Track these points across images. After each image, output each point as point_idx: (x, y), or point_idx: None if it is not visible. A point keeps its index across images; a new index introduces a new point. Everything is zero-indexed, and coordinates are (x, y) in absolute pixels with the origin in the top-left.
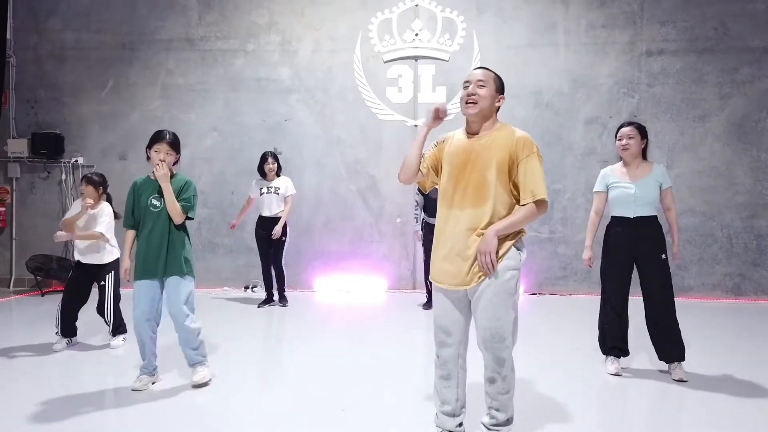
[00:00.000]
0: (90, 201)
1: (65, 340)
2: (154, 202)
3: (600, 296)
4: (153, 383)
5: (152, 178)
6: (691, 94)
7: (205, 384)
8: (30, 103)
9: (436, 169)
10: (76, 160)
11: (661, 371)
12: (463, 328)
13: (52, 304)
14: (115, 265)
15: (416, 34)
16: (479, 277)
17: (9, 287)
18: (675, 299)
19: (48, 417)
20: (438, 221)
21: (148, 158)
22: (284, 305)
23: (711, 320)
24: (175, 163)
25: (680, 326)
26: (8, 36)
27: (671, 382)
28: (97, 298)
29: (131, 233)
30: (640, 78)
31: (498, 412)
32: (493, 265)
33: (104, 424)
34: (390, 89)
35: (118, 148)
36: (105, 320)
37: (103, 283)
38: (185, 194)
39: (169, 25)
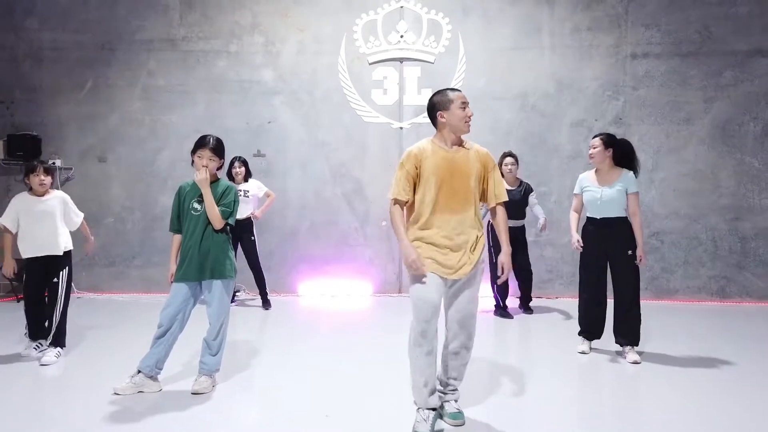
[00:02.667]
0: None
1: (34, 344)
2: (195, 205)
3: (580, 286)
4: (141, 391)
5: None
6: (676, 97)
7: (202, 393)
8: (5, 104)
9: (414, 182)
10: (54, 162)
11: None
12: (440, 305)
13: None
14: (69, 259)
15: (401, 36)
16: (468, 271)
17: None
18: (665, 301)
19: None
20: (431, 225)
21: (193, 163)
22: (267, 308)
23: (696, 322)
24: (218, 168)
25: (648, 321)
26: None
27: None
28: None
29: (177, 238)
30: (625, 81)
31: (456, 381)
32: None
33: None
34: (375, 91)
35: (97, 150)
36: (51, 321)
37: (56, 280)
38: (225, 200)
39: (150, 25)
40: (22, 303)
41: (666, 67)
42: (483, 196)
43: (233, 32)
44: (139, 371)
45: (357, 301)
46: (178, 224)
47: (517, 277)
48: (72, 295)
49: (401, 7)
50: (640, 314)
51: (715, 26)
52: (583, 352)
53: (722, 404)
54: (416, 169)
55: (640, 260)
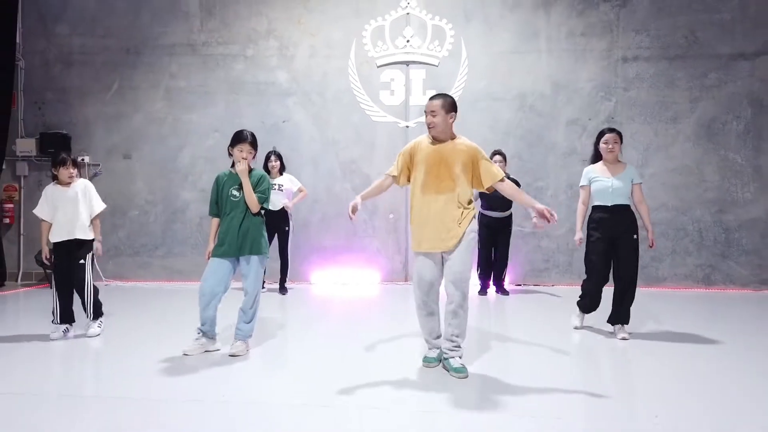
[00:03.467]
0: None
1: (63, 327)
2: (234, 192)
3: (585, 270)
4: (207, 351)
5: (233, 172)
6: (664, 97)
7: (238, 356)
8: (38, 105)
9: (409, 169)
10: (83, 159)
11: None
12: (439, 277)
13: None
14: (91, 245)
15: (407, 41)
16: (455, 242)
17: (17, 281)
18: (654, 288)
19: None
20: (418, 205)
21: (230, 155)
22: (283, 294)
23: (683, 307)
24: (252, 159)
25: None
26: (17, 41)
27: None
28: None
29: (216, 221)
30: (617, 82)
31: (458, 338)
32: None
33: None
34: (383, 92)
35: (123, 148)
36: (83, 303)
37: (82, 261)
38: (261, 187)
39: (172, 30)
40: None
41: (655, 69)
42: (477, 183)
43: (250, 37)
44: (202, 333)
45: (366, 289)
46: (216, 209)
47: (495, 261)
48: (99, 283)
49: (407, 13)
50: (635, 294)
51: (700, 31)
52: (576, 327)
53: (705, 373)
54: (410, 157)
55: (652, 244)
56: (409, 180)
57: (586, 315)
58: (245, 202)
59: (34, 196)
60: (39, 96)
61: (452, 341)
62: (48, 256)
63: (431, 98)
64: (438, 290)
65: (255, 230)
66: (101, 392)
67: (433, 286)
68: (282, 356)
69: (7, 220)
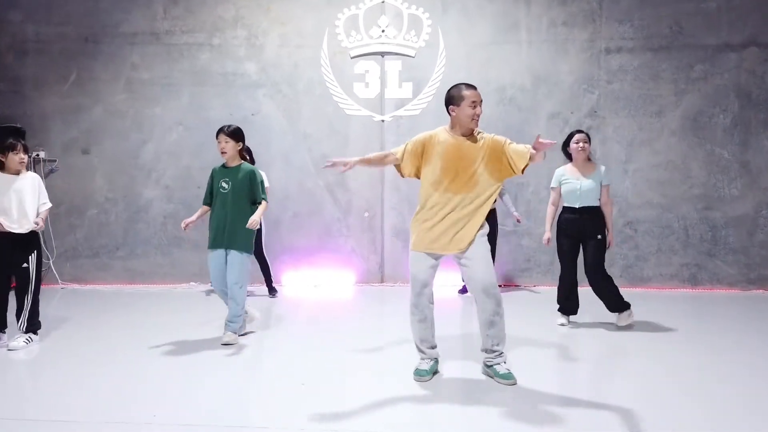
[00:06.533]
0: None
1: None
2: (223, 185)
3: (560, 270)
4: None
5: (226, 166)
6: (648, 90)
7: (230, 345)
8: None
9: (418, 159)
10: (38, 155)
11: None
12: (432, 278)
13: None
14: (38, 242)
15: (383, 31)
16: (467, 244)
17: None
18: (638, 288)
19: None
20: (430, 203)
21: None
22: (273, 296)
23: (669, 309)
24: (240, 150)
25: (618, 288)
26: None
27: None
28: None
29: (206, 207)
30: (600, 75)
31: (499, 346)
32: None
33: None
34: (357, 84)
35: (81, 143)
36: (18, 312)
37: (26, 265)
38: (258, 188)
39: (134, 18)
40: None
41: (639, 61)
42: (509, 171)
43: (216, 26)
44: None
45: (340, 290)
46: (210, 199)
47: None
48: (55, 287)
49: (382, 2)
50: (613, 283)
51: (685, 21)
52: (562, 324)
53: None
54: (423, 148)
55: (610, 244)
56: (416, 174)
57: (569, 316)
58: (232, 196)
59: None
60: None
61: (493, 351)
62: None
63: (475, 88)
64: (431, 293)
65: (241, 225)
66: (44, 415)
67: (426, 287)
68: (255, 372)
69: None
